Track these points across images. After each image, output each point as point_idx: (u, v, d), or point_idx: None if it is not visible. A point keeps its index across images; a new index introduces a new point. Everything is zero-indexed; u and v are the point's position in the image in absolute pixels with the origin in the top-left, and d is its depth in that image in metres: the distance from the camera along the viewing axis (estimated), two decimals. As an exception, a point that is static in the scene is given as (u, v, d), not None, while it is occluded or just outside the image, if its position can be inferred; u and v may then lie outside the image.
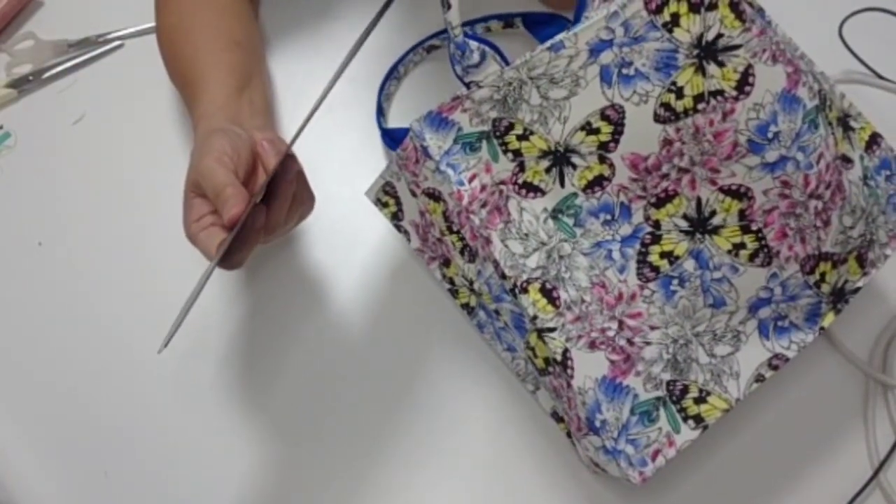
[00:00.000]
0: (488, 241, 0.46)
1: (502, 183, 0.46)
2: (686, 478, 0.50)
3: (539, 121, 0.45)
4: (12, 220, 0.61)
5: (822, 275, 0.47)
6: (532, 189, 0.46)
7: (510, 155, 0.46)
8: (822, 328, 0.48)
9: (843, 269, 0.48)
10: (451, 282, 0.52)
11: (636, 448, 0.46)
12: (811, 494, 0.49)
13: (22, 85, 0.67)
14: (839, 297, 0.48)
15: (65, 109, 0.66)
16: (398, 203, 0.52)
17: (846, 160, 0.47)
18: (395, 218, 0.52)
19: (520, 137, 0.46)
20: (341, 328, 0.55)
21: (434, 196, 0.48)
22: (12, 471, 0.52)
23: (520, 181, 0.46)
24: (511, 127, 0.46)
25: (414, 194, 0.50)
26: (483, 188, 0.46)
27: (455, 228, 0.48)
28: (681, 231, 0.46)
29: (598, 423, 0.45)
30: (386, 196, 0.52)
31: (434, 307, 0.55)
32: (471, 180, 0.46)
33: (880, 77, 0.62)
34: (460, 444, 0.51)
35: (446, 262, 0.51)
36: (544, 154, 0.46)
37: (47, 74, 0.67)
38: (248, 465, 0.51)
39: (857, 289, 0.48)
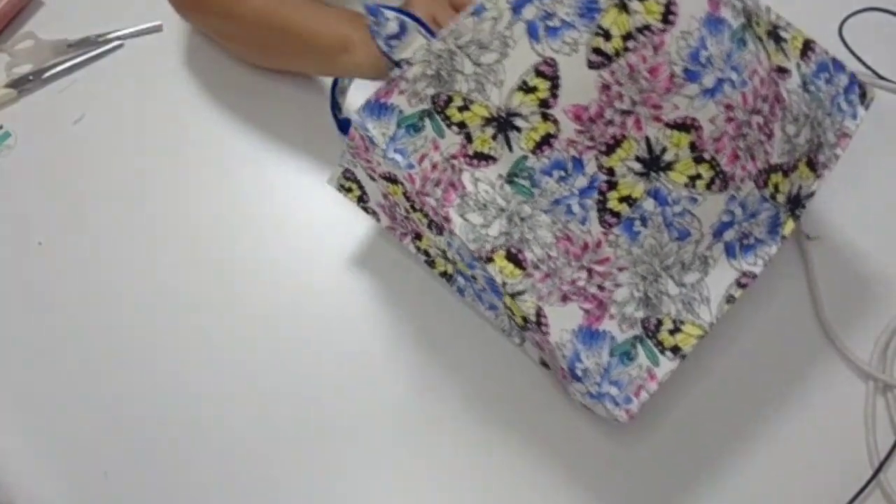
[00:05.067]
0: (447, 218, 0.46)
1: (453, 157, 0.46)
2: (686, 481, 0.49)
3: (476, 89, 0.45)
4: (12, 220, 0.61)
5: (776, 186, 0.48)
6: (483, 158, 0.46)
7: (455, 128, 0.46)
8: (783, 237, 0.49)
9: (795, 176, 0.49)
10: (427, 253, 0.52)
11: (619, 388, 0.46)
12: (811, 494, 0.49)
13: (22, 85, 0.67)
14: (796, 203, 0.49)
15: (65, 109, 0.65)
16: (361, 187, 0.52)
17: (782, 71, 0.48)
18: (361, 201, 0.53)
19: (461, 109, 0.46)
20: (322, 311, 0.55)
21: (392, 179, 0.48)
22: (12, 471, 0.52)
23: (470, 152, 0.46)
24: (450, 100, 0.46)
25: (373, 178, 0.50)
26: (434, 166, 0.46)
27: (418, 207, 0.48)
28: (635, 174, 0.46)
29: (579, 373, 0.46)
30: (348, 182, 0.52)
31: (414, 278, 0.55)
32: (420, 161, 0.46)
33: (880, 77, 0.62)
34: (452, 401, 0.51)
35: (418, 236, 0.51)
36: (487, 121, 0.46)
37: (47, 74, 0.67)
38: (246, 464, 0.51)
39: (812, 193, 0.49)
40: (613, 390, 0.46)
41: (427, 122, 0.46)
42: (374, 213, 0.53)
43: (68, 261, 0.58)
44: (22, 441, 0.53)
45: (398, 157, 0.46)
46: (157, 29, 0.69)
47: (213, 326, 0.55)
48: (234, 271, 0.57)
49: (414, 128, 0.46)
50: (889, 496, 0.48)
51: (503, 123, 0.46)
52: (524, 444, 0.50)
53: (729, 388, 0.52)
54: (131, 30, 0.69)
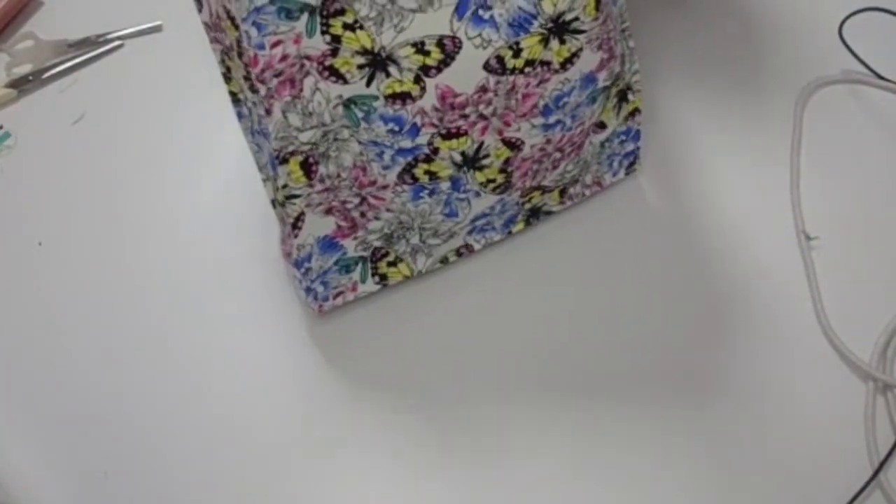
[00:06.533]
0: (269, 111, 0.45)
1: (308, 58, 0.44)
2: (685, 480, 0.50)
3: (375, 19, 0.44)
4: (12, 220, 0.61)
5: (531, 198, 0.55)
6: (336, 75, 0.45)
7: (328, 37, 0.44)
8: (510, 232, 0.56)
9: (547, 196, 0.55)
10: (228, 69, 0.49)
11: (326, 288, 0.53)
12: (811, 494, 0.49)
13: (22, 85, 0.67)
14: (534, 214, 0.56)
15: (65, 109, 0.66)
16: None
17: (601, 126, 0.54)
18: None
19: (346, 27, 0.44)
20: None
21: (232, 20, 0.44)
22: (12, 471, 0.52)
23: (326, 63, 0.44)
24: (342, 12, 0.43)
25: None
26: (284, 58, 0.44)
27: (245, 61, 0.45)
28: (453, 162, 0.49)
29: (303, 269, 0.51)
30: None
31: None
32: (273, 46, 0.43)
33: (880, 77, 0.62)
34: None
35: (229, 56, 0.48)
36: (364, 52, 0.45)
37: (47, 74, 0.67)
38: (245, 464, 0.51)
39: (551, 212, 0.56)
40: (320, 289, 0.53)
41: (305, 16, 0.43)
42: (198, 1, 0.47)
43: (68, 261, 0.58)
44: (22, 441, 0.53)
45: (253, 31, 0.43)
46: (157, 29, 0.70)
47: (216, 326, 0.55)
48: (238, 269, 0.57)
49: (288, 14, 0.43)
50: (889, 496, 0.48)
51: (378, 62, 0.45)
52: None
53: (728, 387, 0.52)
54: (131, 30, 0.69)
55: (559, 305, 0.55)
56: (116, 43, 0.69)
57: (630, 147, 0.57)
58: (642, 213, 0.58)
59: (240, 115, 0.51)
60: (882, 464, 0.49)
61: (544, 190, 0.54)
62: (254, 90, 0.46)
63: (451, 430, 0.51)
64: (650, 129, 0.61)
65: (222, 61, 0.49)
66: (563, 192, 0.56)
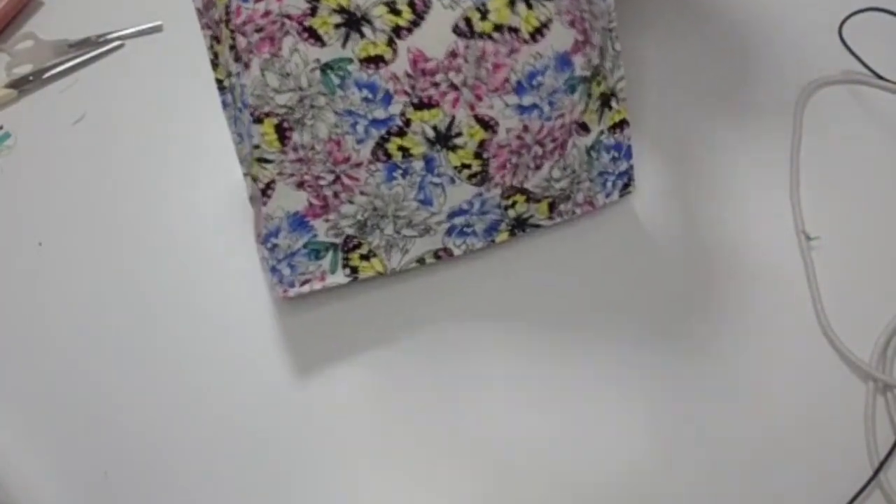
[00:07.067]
0: (247, 65, 0.47)
1: (288, 17, 0.46)
2: (683, 470, 0.50)
3: None
4: (12, 220, 0.61)
5: (514, 203, 0.54)
6: (315, 36, 0.47)
7: None
8: (493, 241, 0.55)
9: (534, 207, 0.54)
10: (216, 55, 0.51)
11: (292, 272, 0.52)
12: (811, 494, 0.49)
13: (22, 85, 0.67)
14: (519, 224, 0.55)
15: (65, 109, 0.66)
16: None
17: (584, 128, 0.53)
18: None
19: None
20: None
21: None
22: (12, 471, 0.52)
23: (306, 24, 0.46)
24: None
25: None
26: (266, 14, 0.46)
27: (232, 27, 0.48)
28: (425, 138, 0.49)
29: (269, 245, 0.51)
30: None
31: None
32: (257, 0, 0.46)
33: (880, 77, 0.62)
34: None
35: (217, 39, 0.50)
36: (341, 10, 0.46)
37: (47, 74, 0.67)
38: (244, 463, 0.51)
39: (538, 225, 0.55)
40: (287, 271, 0.52)
41: None
42: None
43: (68, 261, 0.58)
44: (22, 441, 0.53)
45: None
46: (157, 29, 0.70)
47: (215, 325, 0.55)
48: (240, 270, 0.57)
49: None
50: (889, 496, 0.48)
51: (353, 22, 0.46)
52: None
53: (728, 388, 0.52)
54: (131, 30, 0.69)
55: (542, 311, 0.55)
56: (116, 43, 0.69)
57: (623, 166, 0.56)
58: (640, 211, 0.58)
59: (224, 104, 0.52)
60: (882, 464, 0.49)
61: (529, 196, 0.54)
62: (237, 59, 0.48)
63: (422, 431, 0.51)
64: (647, 129, 0.61)
65: (211, 47, 0.51)
66: (552, 207, 0.55)
